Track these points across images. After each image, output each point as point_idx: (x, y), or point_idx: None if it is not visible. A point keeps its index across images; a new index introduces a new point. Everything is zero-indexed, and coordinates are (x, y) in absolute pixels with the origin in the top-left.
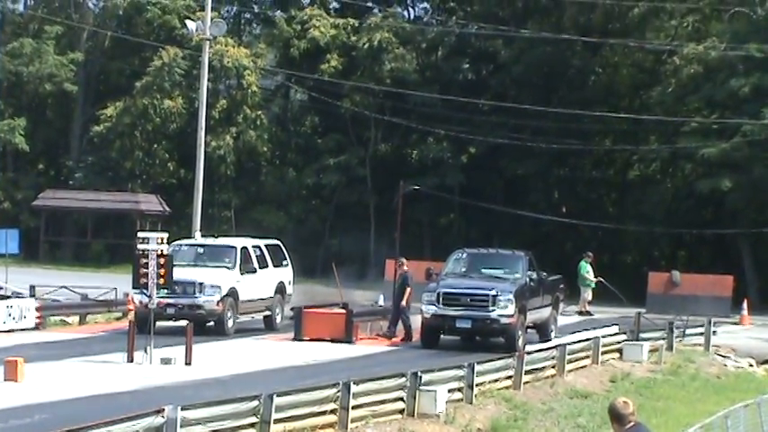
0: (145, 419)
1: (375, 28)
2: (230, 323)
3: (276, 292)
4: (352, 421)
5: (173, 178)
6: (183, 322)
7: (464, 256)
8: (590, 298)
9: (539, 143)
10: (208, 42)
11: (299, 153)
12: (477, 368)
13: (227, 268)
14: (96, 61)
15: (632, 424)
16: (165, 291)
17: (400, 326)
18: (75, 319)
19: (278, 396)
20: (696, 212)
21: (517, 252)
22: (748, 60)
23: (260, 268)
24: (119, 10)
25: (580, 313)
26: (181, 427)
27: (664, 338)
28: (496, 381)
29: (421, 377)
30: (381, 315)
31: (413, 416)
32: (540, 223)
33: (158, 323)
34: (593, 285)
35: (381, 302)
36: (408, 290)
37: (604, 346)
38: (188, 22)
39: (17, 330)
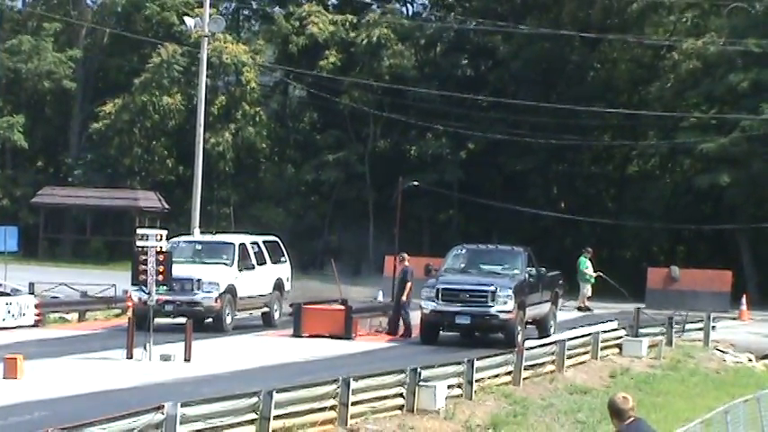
0: (144, 416)
1: (374, 24)
2: (228, 320)
3: (274, 289)
4: (352, 417)
5: (171, 175)
6: (182, 319)
7: (463, 251)
8: (589, 293)
9: (537, 139)
10: (206, 39)
11: (298, 149)
12: (477, 364)
13: (226, 265)
14: (95, 58)
15: (632, 419)
16: (164, 288)
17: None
18: (75, 316)
19: (277, 392)
20: (695, 208)
21: (516, 248)
22: (747, 55)
23: (258, 265)
24: (117, 7)
25: (579, 309)
26: (180, 423)
27: (663, 334)
28: (496, 376)
29: (420, 373)
30: (382, 311)
31: (412, 412)
32: (539, 219)
33: (157, 320)
34: (592, 281)
35: (380, 298)
36: (409, 285)
37: (604, 341)
38: (186, 18)
39: (16, 327)
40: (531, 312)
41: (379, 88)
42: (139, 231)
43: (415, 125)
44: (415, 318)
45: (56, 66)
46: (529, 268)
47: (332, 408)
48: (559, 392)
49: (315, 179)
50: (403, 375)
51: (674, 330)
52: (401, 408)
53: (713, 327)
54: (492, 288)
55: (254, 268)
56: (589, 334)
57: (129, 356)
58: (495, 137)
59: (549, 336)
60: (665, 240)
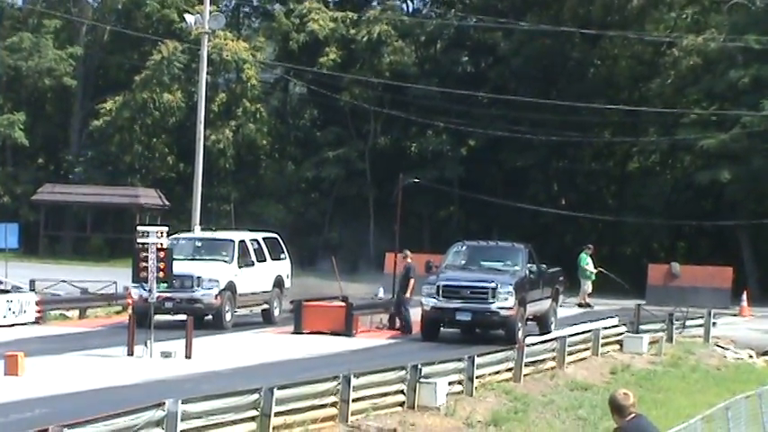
0: (146, 413)
1: (374, 21)
2: (228, 317)
3: (274, 286)
4: (353, 414)
5: (172, 172)
6: (182, 316)
7: (464, 248)
8: (590, 290)
9: (538, 135)
10: (207, 36)
11: (299, 146)
12: (478, 360)
13: (225, 262)
14: (95, 55)
15: (633, 415)
16: (164, 285)
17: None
18: (75, 313)
19: (278, 389)
20: (695, 204)
21: (517, 244)
22: (747, 52)
23: (258, 262)
24: (118, 4)
25: (580, 305)
26: (181, 420)
27: (664, 330)
28: (497, 373)
29: (421, 370)
30: (383, 308)
31: (413, 408)
32: (540, 215)
33: (156, 317)
34: (592, 277)
35: (381, 295)
36: (412, 281)
37: (604, 337)
38: (187, 15)
39: (17, 325)
40: (532, 309)
41: (380, 85)
42: (140, 228)
43: (416, 122)
44: (416, 315)
45: (56, 63)
46: (529, 265)
47: (333, 404)
48: (560, 389)
49: (315, 176)
50: (404, 372)
51: (674, 327)
52: (402, 404)
53: (714, 323)
54: (493, 285)
55: (253, 265)
56: (590, 330)
57: (130, 353)
58: (495, 133)
59: (549, 332)
60: (665, 237)
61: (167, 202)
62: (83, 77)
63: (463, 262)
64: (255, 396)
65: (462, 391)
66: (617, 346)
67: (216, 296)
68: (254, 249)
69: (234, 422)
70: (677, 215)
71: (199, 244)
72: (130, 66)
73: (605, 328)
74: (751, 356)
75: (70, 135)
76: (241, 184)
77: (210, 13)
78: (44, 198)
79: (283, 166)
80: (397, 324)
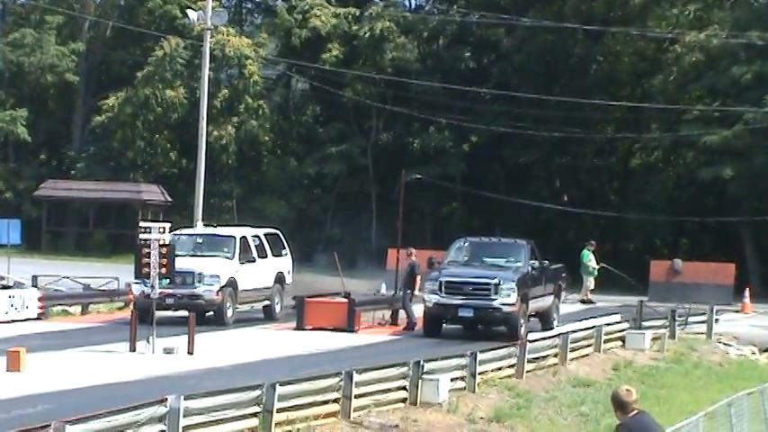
0: (148, 409)
1: (376, 17)
2: (229, 313)
3: (275, 282)
4: (355, 410)
5: (174, 168)
6: (184, 312)
7: (466, 244)
8: (592, 286)
9: (540, 131)
10: (209, 32)
11: (301, 142)
12: (480, 357)
13: (227, 258)
14: (98, 51)
15: (635, 412)
16: (167, 281)
17: (402, 314)
18: (78, 309)
19: (281, 385)
20: (698, 200)
21: (519, 240)
22: (750, 48)
23: (259, 258)
24: (120, 0)
25: (582, 301)
26: (184, 416)
27: (666, 326)
28: (499, 369)
29: (423, 366)
30: (387, 304)
31: (415, 405)
32: (542, 211)
33: (158, 313)
34: (595, 273)
35: (383, 291)
36: (418, 278)
37: (607, 334)
38: (189, 11)
39: (20, 320)
40: (534, 305)
41: (382, 81)
42: (142, 225)
43: (418, 118)
44: (418, 311)
45: (58, 59)
46: (532, 261)
47: (335, 401)
48: (562, 385)
49: (317, 172)
50: (406, 368)
51: (677, 323)
52: (404, 401)
53: (716, 319)
54: (495, 281)
55: (255, 261)
56: (592, 327)
57: (133, 349)
58: (498, 129)
59: (552, 328)
60: (668, 233)
61: (170, 198)
62: (85, 73)
63: (466, 258)
64: (258, 392)
65: (465, 388)
66: (619, 343)
67: (217, 292)
68: (256, 245)
69: (236, 418)
70: (680, 212)
71: (200, 240)
72: (133, 62)
73: (608, 324)
74: (753, 353)
75: (73, 131)
76: (243, 180)
77: (213, 9)
78: (46, 194)
79: (286, 162)
80: (405, 319)
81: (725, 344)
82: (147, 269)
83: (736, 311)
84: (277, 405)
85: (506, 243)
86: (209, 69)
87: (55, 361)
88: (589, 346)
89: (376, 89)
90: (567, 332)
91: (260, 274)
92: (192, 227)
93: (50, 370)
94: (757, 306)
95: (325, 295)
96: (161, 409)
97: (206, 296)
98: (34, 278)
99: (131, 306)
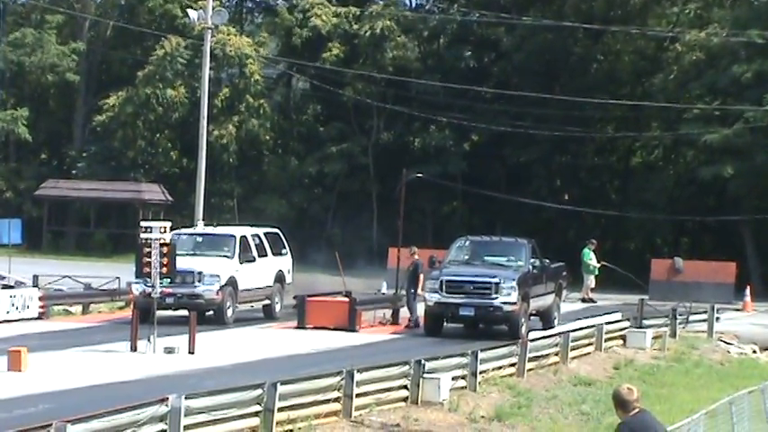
0: (149, 408)
1: (377, 16)
2: (229, 312)
3: (275, 281)
4: (356, 409)
5: (175, 167)
6: (184, 312)
7: (467, 243)
8: (593, 285)
9: (541, 130)
10: (210, 31)
11: (302, 141)
12: (481, 356)
13: (227, 257)
14: (98, 51)
15: (636, 410)
16: (168, 280)
17: (403, 313)
18: (79, 308)
19: (281, 384)
20: (698, 199)
21: (520, 239)
22: (750, 46)
23: (259, 257)
24: None
25: (583, 300)
26: (185, 415)
27: (667, 325)
28: (500, 368)
29: (424, 365)
30: (391, 303)
31: (416, 404)
32: (543, 210)
33: (158, 312)
34: (596, 272)
35: (384, 290)
36: (422, 277)
37: (608, 333)
38: (190, 11)
39: (20, 320)
40: (535, 304)
41: (383, 80)
42: (143, 224)
43: (419, 117)
44: (419, 310)
45: (59, 58)
46: (532, 260)
47: (336, 400)
48: (563, 384)
49: (318, 171)
50: (407, 367)
51: (677, 322)
52: (405, 399)
53: (717, 318)
54: (496, 280)
55: (255, 260)
56: (593, 325)
57: (134, 349)
58: (498, 128)
59: (552, 327)
60: (668, 232)
61: (170, 198)
62: (86, 73)
63: (466, 257)
64: (259, 391)
65: (466, 387)
66: (620, 342)
67: (217, 292)
68: (256, 245)
69: (237, 417)
70: (680, 210)
71: (200, 239)
72: (133, 61)
73: (608, 323)
74: (754, 351)
75: (73, 130)
76: (244, 179)
77: (213, 8)
78: (47, 193)
79: (286, 161)
80: (404, 318)
81: (726, 342)
82: (148, 269)
83: (737, 310)
84: (278, 404)
85: (507, 242)
86: (210, 69)
87: (56, 360)
88: (590, 344)
89: (376, 88)
90: (568, 331)
91: (260, 273)
92: (193, 226)
93: (51, 369)
94: (758, 305)
95: (326, 294)
96: (162, 409)
97: (206, 295)
98: (35, 278)
99: (132, 306)
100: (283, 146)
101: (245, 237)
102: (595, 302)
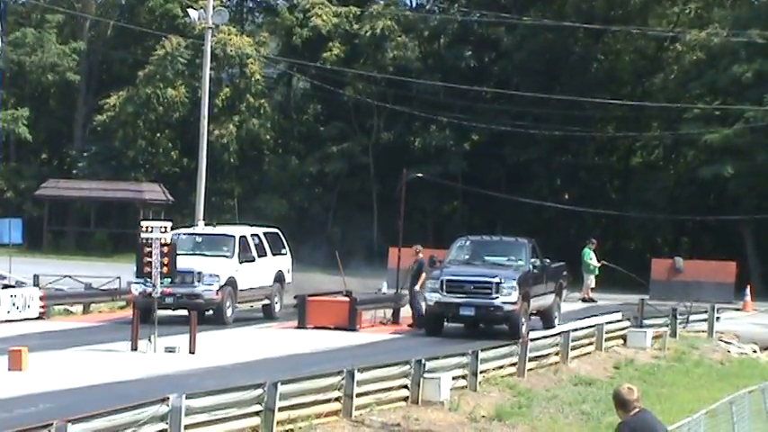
0: (149, 408)
1: (377, 16)
2: (229, 312)
3: (275, 281)
4: (357, 409)
5: (176, 167)
6: (183, 311)
7: (467, 243)
8: (593, 285)
9: (541, 130)
10: (210, 31)
11: (302, 141)
12: (481, 355)
13: (226, 257)
14: (99, 50)
15: (637, 410)
16: (169, 280)
17: (403, 312)
18: (79, 308)
19: (282, 384)
20: (699, 199)
21: (520, 239)
22: (750, 46)
23: (258, 257)
24: None
25: (584, 300)
26: (185, 415)
27: (667, 325)
28: (500, 368)
29: (425, 365)
30: (393, 302)
31: (417, 403)
32: (543, 210)
33: (158, 312)
34: (596, 272)
35: (384, 290)
36: (423, 275)
37: (608, 332)
38: (190, 10)
39: (21, 320)
40: (536, 304)
41: (383, 80)
42: (144, 224)
43: (419, 117)
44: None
45: (60, 58)
46: (533, 259)
47: (337, 399)
48: (564, 384)
49: (319, 171)
50: (408, 367)
51: (678, 321)
52: (406, 399)
53: (717, 318)
54: (496, 279)
55: (254, 260)
56: (593, 325)
57: (134, 348)
58: (498, 128)
59: (553, 327)
60: (668, 231)
61: (171, 198)
62: (86, 73)
63: (467, 257)
64: (259, 391)
65: (466, 386)
66: (620, 341)
67: (217, 291)
68: (255, 244)
69: (238, 417)
70: (680, 210)
71: (199, 239)
72: (134, 61)
73: (609, 322)
74: (755, 351)
75: (74, 130)
76: (245, 179)
77: (214, 8)
78: (48, 193)
79: (287, 161)
80: (407, 317)
81: (726, 342)
82: (148, 268)
83: (738, 310)
84: (279, 404)
85: (507, 242)
86: (211, 68)
87: (56, 360)
88: (590, 344)
89: (377, 88)
90: (569, 330)
91: (259, 273)
92: (193, 226)
93: (52, 369)
94: (758, 304)
95: (326, 294)
96: (163, 408)
97: (205, 295)
98: (36, 277)
99: (132, 305)
100: (284, 145)
101: (244, 237)
102: (596, 302)
